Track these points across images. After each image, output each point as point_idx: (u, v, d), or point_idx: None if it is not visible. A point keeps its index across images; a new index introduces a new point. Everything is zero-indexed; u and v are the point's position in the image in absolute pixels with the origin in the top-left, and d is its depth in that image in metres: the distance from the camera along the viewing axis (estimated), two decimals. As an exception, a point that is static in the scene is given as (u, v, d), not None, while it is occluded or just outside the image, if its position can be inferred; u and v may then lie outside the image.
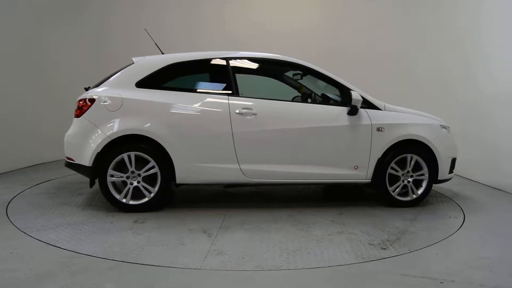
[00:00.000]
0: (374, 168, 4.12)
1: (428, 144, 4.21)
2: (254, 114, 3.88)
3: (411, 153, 4.18)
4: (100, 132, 3.71)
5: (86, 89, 4.02)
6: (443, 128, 4.42)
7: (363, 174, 4.12)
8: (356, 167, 4.09)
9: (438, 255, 2.94)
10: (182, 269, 2.59)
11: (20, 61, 5.77)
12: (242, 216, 3.73)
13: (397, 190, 4.20)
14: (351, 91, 4.00)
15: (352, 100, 3.94)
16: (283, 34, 6.99)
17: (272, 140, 3.93)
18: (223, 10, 7.13)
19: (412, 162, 4.19)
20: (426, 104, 5.99)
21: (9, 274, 2.45)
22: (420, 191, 4.26)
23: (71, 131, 3.87)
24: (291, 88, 4.48)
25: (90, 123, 3.75)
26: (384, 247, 3.04)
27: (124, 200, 3.76)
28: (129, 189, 3.76)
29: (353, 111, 4.05)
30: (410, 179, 4.23)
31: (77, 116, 3.84)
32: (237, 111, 3.85)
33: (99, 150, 3.69)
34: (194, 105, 3.85)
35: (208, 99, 3.91)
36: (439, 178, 4.30)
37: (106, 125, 3.72)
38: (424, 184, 4.26)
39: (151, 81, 3.90)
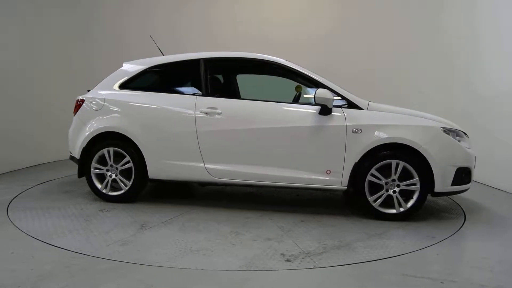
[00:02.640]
0: (350, 174, 3.73)
1: (419, 149, 3.63)
2: (219, 114, 3.90)
3: (397, 158, 3.66)
4: (86, 129, 4.21)
5: (89, 91, 4.58)
6: (447, 132, 3.74)
7: (337, 180, 3.76)
8: (328, 172, 3.77)
9: (438, 255, 2.90)
10: (72, 252, 2.82)
11: (20, 61, 5.81)
12: (197, 214, 3.79)
13: (378, 200, 3.73)
14: (318, 89, 3.70)
15: (316, 98, 3.65)
16: (285, 32, 7.01)
17: (236, 140, 3.89)
18: (227, 11, 7.28)
19: (398, 169, 3.67)
20: (429, 100, 6.15)
21: (10, 274, 2.45)
22: (409, 204, 3.71)
23: (71, 127, 4.46)
24: (270, 87, 4.34)
25: (80, 121, 4.27)
26: (291, 259, 2.78)
27: (104, 191, 4.18)
28: (108, 181, 4.17)
29: (324, 111, 3.74)
30: (396, 189, 3.70)
31: (74, 114, 4.41)
32: (201, 111, 3.93)
33: (84, 145, 4.18)
34: (164, 105, 4.05)
35: (178, 99, 4.07)
36: (437, 190, 3.67)
37: (91, 123, 4.20)
38: (415, 196, 3.69)
39: (132, 83, 4.25)
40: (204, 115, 3.92)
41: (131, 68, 4.31)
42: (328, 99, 3.66)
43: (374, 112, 3.79)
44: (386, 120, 3.74)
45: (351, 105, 3.82)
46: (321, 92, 3.65)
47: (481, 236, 3.40)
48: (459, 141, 3.84)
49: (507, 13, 4.97)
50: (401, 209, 3.72)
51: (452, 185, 3.72)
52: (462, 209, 4.13)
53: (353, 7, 6.89)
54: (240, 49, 5.08)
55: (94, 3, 7.14)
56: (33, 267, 2.56)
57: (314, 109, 3.78)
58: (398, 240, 3.20)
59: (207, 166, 3.95)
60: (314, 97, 3.66)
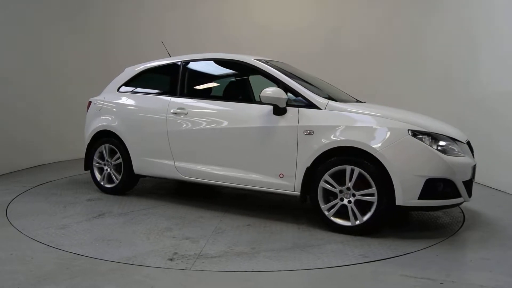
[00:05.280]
0: (303, 179, 3.46)
1: (375, 154, 3.18)
2: (185, 114, 4.03)
3: (352, 164, 3.26)
4: (90, 127, 4.76)
5: (104, 93, 5.13)
6: (418, 135, 3.17)
7: (290, 185, 3.53)
8: (281, 176, 3.56)
9: (438, 256, 2.88)
10: (19, 231, 3.24)
11: (19, 64, 5.83)
12: (160, 210, 3.94)
13: (332, 210, 3.37)
14: (265, 88, 3.51)
15: (261, 98, 3.48)
16: (282, 33, 6.99)
17: (199, 140, 3.96)
18: (223, 11, 7.23)
19: (353, 177, 3.25)
20: (427, 101, 6.10)
21: (9, 276, 2.43)
22: (366, 217, 3.25)
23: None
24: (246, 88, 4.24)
25: (88, 120, 4.85)
26: (174, 259, 2.73)
27: (102, 183, 4.66)
28: (104, 174, 4.64)
29: (277, 110, 3.55)
30: (352, 199, 3.29)
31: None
32: (172, 111, 4.10)
33: (88, 142, 4.74)
34: (146, 105, 4.34)
35: (157, 100, 4.30)
36: (399, 203, 3.14)
37: (94, 122, 4.73)
38: (372, 208, 3.22)
39: (127, 86, 4.66)
40: (174, 115, 4.08)
41: (128, 72, 4.73)
42: (278, 99, 3.46)
43: (330, 112, 3.43)
44: (340, 120, 3.35)
45: (309, 104, 3.53)
46: (267, 91, 3.46)
47: (480, 236, 3.35)
48: (439, 147, 3.20)
49: (504, 15, 4.93)
50: (357, 222, 3.27)
51: (420, 198, 3.12)
52: (461, 209, 4.04)
53: (354, 7, 6.88)
54: (249, 50, 5.13)
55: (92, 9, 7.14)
56: (33, 268, 2.55)
57: (270, 109, 3.60)
58: (315, 255, 2.85)
59: (177, 164, 4.09)
60: (260, 96, 3.50)
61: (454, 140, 3.32)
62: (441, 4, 6.19)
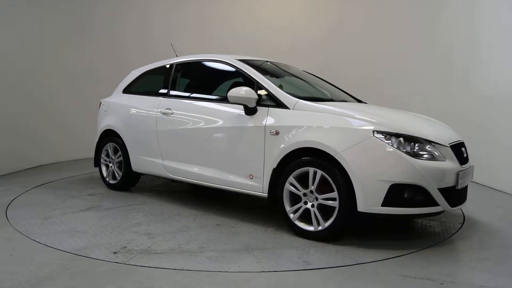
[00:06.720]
0: (270, 180, 3.38)
1: (335, 156, 3.02)
2: (171, 114, 4.14)
3: (314, 166, 3.12)
4: (99, 126, 5.08)
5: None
6: (385, 136, 2.94)
7: (259, 186, 3.47)
8: (251, 177, 3.52)
9: (437, 256, 2.89)
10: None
11: (19, 65, 5.83)
12: (147, 206, 4.09)
13: (296, 213, 3.25)
14: (233, 88, 3.48)
15: (228, 97, 3.46)
16: (284, 34, 7.09)
17: (181, 139, 4.05)
18: (229, 10, 7.28)
19: (316, 179, 3.12)
20: (428, 100, 6.17)
21: (9, 277, 2.42)
22: (328, 223, 3.09)
23: None
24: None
25: (99, 119, 5.17)
26: (119, 253, 2.81)
27: (107, 179, 4.94)
28: (109, 171, 4.92)
29: (247, 110, 3.52)
30: (315, 203, 3.16)
31: (100, 114, 5.34)
32: (160, 111, 4.24)
33: (97, 140, 5.06)
34: (142, 106, 4.53)
35: (151, 101, 4.46)
36: (361, 209, 2.95)
37: (102, 122, 5.04)
38: (334, 214, 3.05)
39: (130, 88, 4.89)
40: (163, 115, 4.20)
41: (132, 74, 4.96)
42: (247, 98, 3.41)
43: (297, 112, 3.30)
44: (305, 120, 3.21)
45: (279, 104, 3.43)
46: (235, 91, 3.43)
47: (480, 237, 3.37)
48: (410, 150, 2.94)
49: (507, 13, 4.89)
50: (319, 228, 3.11)
51: (384, 205, 2.89)
52: (461, 210, 4.02)
53: (353, 8, 6.88)
54: (238, 51, 5.18)
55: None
56: (33, 269, 2.54)
57: (243, 109, 3.57)
58: (257, 258, 2.76)
59: (164, 163, 4.21)
60: (227, 96, 3.47)
61: (431, 142, 3.02)
62: (444, 3, 6.13)
